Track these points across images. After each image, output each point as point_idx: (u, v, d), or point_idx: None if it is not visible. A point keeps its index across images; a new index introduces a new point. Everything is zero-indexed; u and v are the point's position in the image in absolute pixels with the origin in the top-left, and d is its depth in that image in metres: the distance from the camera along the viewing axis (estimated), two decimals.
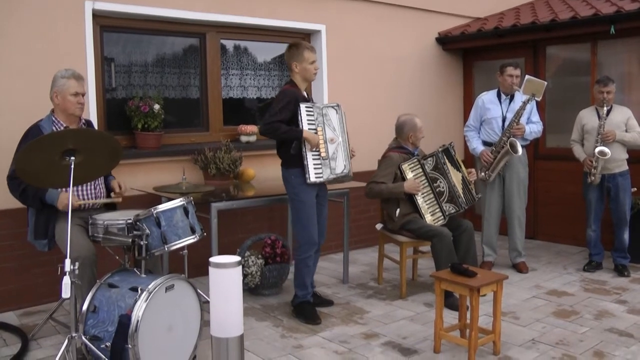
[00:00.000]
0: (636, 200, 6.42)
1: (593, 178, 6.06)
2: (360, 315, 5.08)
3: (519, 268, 6.37)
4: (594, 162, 6.02)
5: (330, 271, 6.46)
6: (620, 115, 6.13)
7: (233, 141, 6.41)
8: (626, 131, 6.07)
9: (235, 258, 3.34)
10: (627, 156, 6.15)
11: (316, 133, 4.81)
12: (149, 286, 3.64)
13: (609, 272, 6.26)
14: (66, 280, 3.37)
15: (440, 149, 5.68)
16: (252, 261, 5.46)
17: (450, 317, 4.81)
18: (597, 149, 5.94)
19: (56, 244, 4.29)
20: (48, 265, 5.24)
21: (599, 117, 6.07)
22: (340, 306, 5.32)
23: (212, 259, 3.33)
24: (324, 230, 5.17)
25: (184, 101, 6.44)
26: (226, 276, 3.29)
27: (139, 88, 6.10)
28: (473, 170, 5.90)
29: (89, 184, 4.35)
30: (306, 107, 4.83)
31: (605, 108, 6.04)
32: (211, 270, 3.31)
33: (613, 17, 6.60)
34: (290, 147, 4.84)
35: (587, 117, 6.25)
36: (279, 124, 4.74)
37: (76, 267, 3.47)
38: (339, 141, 4.94)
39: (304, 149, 4.79)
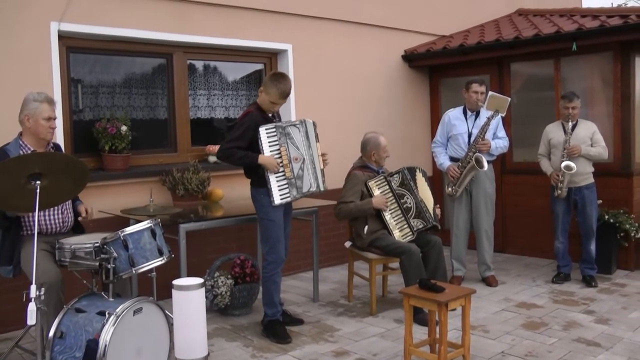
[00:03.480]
0: (602, 212, 6.53)
1: (560, 192, 6.15)
2: (330, 333, 5.08)
3: (489, 282, 6.42)
4: (560, 177, 6.12)
5: (300, 289, 6.45)
6: (586, 130, 6.24)
7: (201, 162, 6.40)
8: (592, 145, 6.18)
9: (198, 280, 3.34)
10: (592, 169, 6.26)
11: (279, 154, 4.81)
12: (117, 310, 3.62)
13: (577, 283, 6.35)
14: (31, 307, 3.32)
15: (406, 166, 5.73)
16: (222, 281, 5.43)
17: (421, 333, 4.83)
18: (563, 164, 6.03)
19: (22, 270, 4.21)
20: (13, 291, 5.10)
21: (565, 131, 6.17)
22: (310, 324, 5.31)
23: (175, 282, 3.33)
24: (287, 246, 5.18)
25: (152, 122, 6.41)
26: (189, 298, 3.28)
27: (106, 109, 6.06)
28: (438, 206, 5.92)
29: (55, 208, 4.30)
30: (266, 129, 4.81)
31: (570, 123, 6.15)
32: (174, 292, 3.30)
33: (575, 34, 6.75)
34: (258, 167, 4.84)
35: (554, 131, 6.35)
36: (235, 149, 4.75)
37: (42, 292, 3.42)
38: (303, 159, 4.95)
39: (266, 173, 4.80)
